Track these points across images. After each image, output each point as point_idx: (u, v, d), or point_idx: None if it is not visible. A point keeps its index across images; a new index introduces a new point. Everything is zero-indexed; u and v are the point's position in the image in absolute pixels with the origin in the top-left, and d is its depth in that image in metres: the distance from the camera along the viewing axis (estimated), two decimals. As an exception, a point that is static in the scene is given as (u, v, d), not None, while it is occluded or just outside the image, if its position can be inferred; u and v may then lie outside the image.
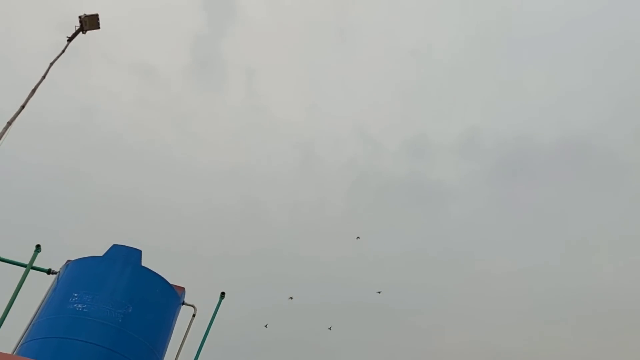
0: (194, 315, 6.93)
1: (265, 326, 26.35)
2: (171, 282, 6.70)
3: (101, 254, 6.40)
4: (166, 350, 6.55)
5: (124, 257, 6.28)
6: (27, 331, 5.98)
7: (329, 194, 37.54)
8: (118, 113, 34.47)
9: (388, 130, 38.87)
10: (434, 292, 34.10)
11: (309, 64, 39.86)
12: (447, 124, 38.27)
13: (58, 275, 6.42)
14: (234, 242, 33.86)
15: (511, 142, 37.46)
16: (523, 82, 37.82)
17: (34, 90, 7.61)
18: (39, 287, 6.80)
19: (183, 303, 6.87)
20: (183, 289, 6.88)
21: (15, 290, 6.42)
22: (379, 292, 28.66)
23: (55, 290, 6.18)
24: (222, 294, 7.24)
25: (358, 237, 30.46)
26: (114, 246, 6.39)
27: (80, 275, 6.14)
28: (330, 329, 27.22)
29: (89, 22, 8.54)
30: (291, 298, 27.11)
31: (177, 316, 6.76)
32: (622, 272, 32.79)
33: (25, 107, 7.17)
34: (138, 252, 6.41)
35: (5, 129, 6.73)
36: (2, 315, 6.20)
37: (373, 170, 38.44)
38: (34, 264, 6.61)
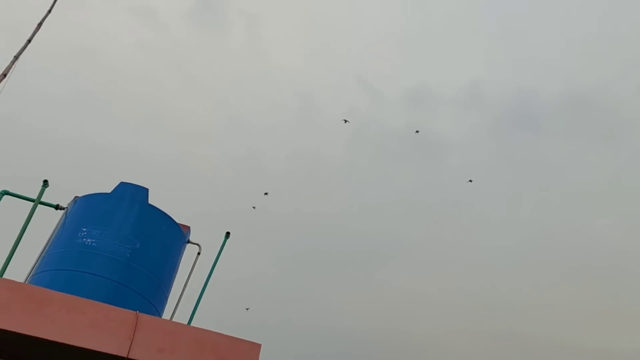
0: (198, 254, 7.11)
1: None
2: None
3: (108, 191, 6.48)
4: (172, 286, 6.74)
5: (132, 194, 6.37)
6: (37, 264, 6.12)
7: (328, 143, 37.52)
8: (118, 56, 33.96)
9: (389, 79, 38.48)
10: (426, 241, 34.67)
11: (311, 9, 38.98)
12: (450, 75, 37.88)
13: (66, 211, 6.51)
14: (234, 193, 34.07)
15: (514, 94, 37.20)
16: (528, 33, 37.16)
17: (40, 25, 7.50)
18: (46, 223, 6.92)
19: (188, 241, 7.02)
20: (188, 227, 7.01)
21: (23, 225, 6.52)
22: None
23: (64, 225, 6.28)
24: (227, 233, 7.39)
25: None
26: (122, 184, 6.46)
27: (89, 210, 6.23)
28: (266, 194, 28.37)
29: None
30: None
31: (182, 254, 6.92)
32: (616, 226, 33.28)
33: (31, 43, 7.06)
34: (145, 190, 6.49)
35: (13, 62, 6.66)
36: (12, 248, 6.33)
37: (372, 120, 38.30)
38: (42, 199, 6.68)
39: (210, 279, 7.16)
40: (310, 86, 39.01)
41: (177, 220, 6.92)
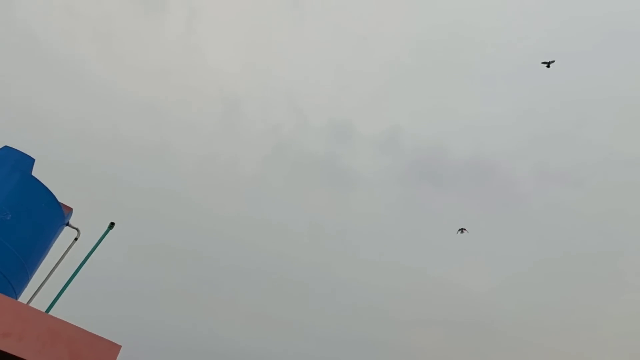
0: (76, 239, 6.57)
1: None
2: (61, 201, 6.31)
3: (-11, 153, 5.87)
4: (37, 268, 6.17)
5: (15, 161, 5.79)
6: None
7: (245, 154, 37.15)
8: (42, 14, 31.80)
9: (318, 107, 39.03)
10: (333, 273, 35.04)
11: (257, 21, 38.88)
12: (374, 117, 39.12)
13: None
14: (136, 175, 32.67)
15: (427, 149, 39.07)
16: (453, 99, 39.36)
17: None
18: None
19: (67, 224, 6.49)
20: (71, 209, 6.50)
21: None
22: None
23: None
24: (112, 224, 6.89)
25: None
26: (5, 147, 5.88)
27: (-40, 170, 5.60)
28: None
29: None
30: None
31: (57, 236, 6.38)
32: (495, 288, 35.41)
33: None
34: (31, 160, 5.93)
35: None
36: None
37: (294, 141, 38.49)
38: None
39: (84, 269, 6.64)
40: (239, 95, 38.63)
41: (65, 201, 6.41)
